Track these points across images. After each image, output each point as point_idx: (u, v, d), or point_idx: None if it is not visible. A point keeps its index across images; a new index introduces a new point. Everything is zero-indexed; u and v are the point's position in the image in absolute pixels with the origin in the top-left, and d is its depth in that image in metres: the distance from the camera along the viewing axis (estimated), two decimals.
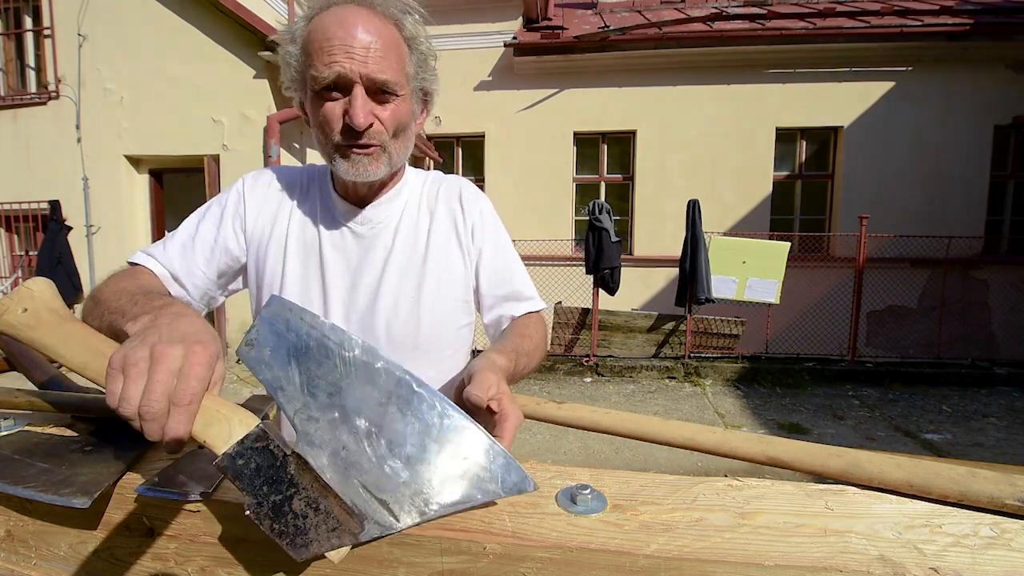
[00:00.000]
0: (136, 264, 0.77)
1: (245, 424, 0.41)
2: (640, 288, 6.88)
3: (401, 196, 0.85)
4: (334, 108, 0.70)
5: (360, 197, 0.82)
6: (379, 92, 0.71)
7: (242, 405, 0.59)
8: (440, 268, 0.82)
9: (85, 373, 0.46)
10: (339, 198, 0.83)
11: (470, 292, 0.86)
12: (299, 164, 5.57)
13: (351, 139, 0.72)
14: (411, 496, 0.41)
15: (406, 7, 0.74)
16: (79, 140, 5.94)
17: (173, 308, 0.51)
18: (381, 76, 0.69)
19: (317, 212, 0.83)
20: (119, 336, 0.52)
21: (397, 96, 0.72)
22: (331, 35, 0.68)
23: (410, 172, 0.88)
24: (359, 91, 0.69)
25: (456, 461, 0.41)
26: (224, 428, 0.41)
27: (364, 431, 0.41)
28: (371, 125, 0.71)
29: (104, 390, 0.41)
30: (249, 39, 5.45)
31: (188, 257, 0.78)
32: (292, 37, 0.73)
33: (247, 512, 0.39)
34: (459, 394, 0.55)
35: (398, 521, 0.41)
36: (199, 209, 0.83)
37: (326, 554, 0.40)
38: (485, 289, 0.86)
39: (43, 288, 0.52)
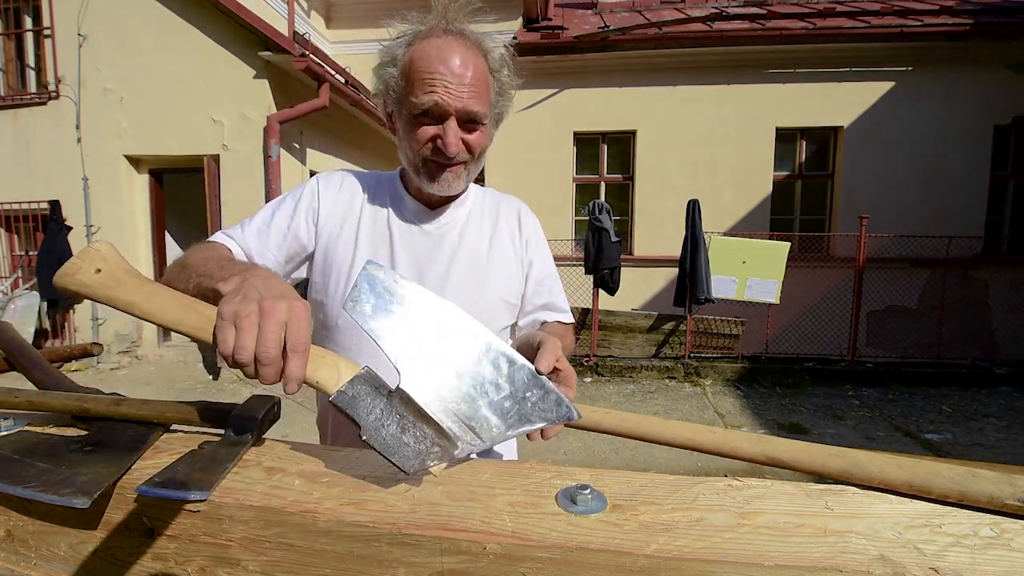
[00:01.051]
0: (214, 242, 0.84)
1: (350, 368, 0.49)
2: (640, 288, 6.88)
3: (466, 204, 0.95)
4: (427, 132, 0.80)
5: (432, 201, 0.91)
6: (468, 121, 0.80)
7: (243, 404, 0.59)
8: (500, 270, 0.92)
9: (179, 328, 0.50)
10: (411, 199, 0.92)
11: (519, 296, 0.95)
12: (300, 164, 5.52)
13: (440, 158, 0.81)
14: (492, 424, 0.51)
15: (495, 39, 0.83)
16: (79, 140, 5.94)
17: (260, 271, 0.57)
18: (472, 109, 0.78)
19: (388, 210, 0.91)
20: (207, 295, 0.58)
21: (483, 124, 0.82)
22: (433, 69, 0.76)
23: (471, 184, 0.98)
24: (452, 122, 0.79)
25: (526, 401, 0.52)
26: (332, 371, 0.49)
27: (456, 373, 0.51)
28: (459, 151, 0.81)
29: (205, 342, 0.48)
30: (249, 39, 5.45)
31: (263, 240, 0.86)
32: (392, 60, 0.81)
33: (363, 437, 0.47)
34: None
35: (483, 442, 0.50)
36: (273, 200, 0.92)
37: (431, 468, 0.48)
38: (528, 296, 0.96)
39: (111, 250, 0.54)
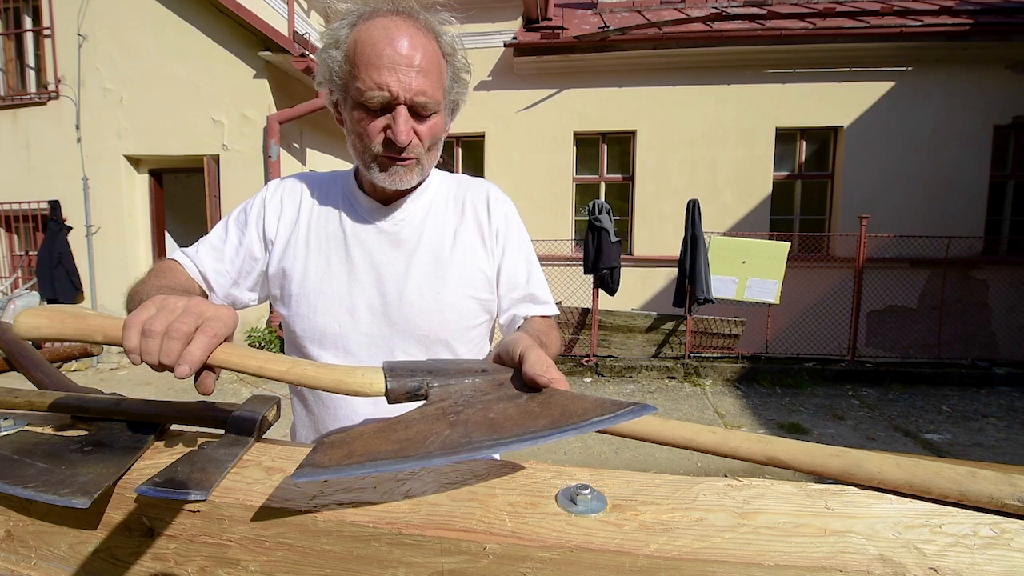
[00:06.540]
0: (173, 262, 0.83)
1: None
2: (640, 288, 6.88)
3: (426, 195, 0.88)
4: (376, 124, 0.74)
5: (387, 196, 0.85)
6: (419, 110, 0.74)
7: (243, 404, 0.60)
8: (465, 265, 0.84)
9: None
10: (365, 196, 0.86)
11: (492, 291, 0.87)
12: (300, 164, 5.52)
13: (391, 151, 0.75)
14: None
15: (444, 21, 0.77)
16: (79, 140, 5.94)
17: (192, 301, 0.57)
18: (422, 98, 0.72)
19: (339, 210, 0.86)
20: None
21: (435, 113, 0.76)
22: (380, 51, 0.70)
23: (434, 172, 0.91)
24: (402, 111, 0.72)
25: None
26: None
27: None
28: (410, 141, 0.75)
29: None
30: (249, 39, 5.46)
31: (218, 259, 0.84)
32: (335, 41, 0.75)
33: None
34: (497, 362, 0.57)
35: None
36: (231, 212, 0.89)
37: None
38: (503, 291, 0.87)
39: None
